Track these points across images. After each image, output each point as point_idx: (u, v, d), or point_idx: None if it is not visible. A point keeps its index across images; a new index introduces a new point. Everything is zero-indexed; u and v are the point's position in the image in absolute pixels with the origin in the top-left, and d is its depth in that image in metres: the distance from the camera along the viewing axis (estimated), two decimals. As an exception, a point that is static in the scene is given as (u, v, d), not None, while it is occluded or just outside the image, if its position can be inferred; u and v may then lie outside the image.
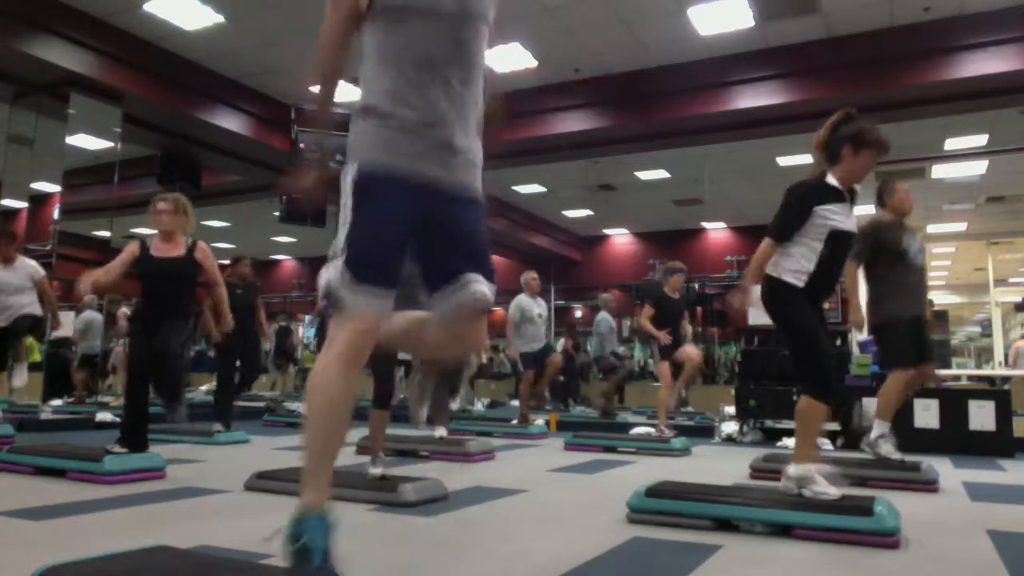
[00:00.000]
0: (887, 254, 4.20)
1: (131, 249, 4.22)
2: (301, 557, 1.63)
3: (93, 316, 9.71)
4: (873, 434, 4.23)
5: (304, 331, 15.24)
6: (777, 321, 3.22)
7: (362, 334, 1.66)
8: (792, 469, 3.09)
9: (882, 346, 4.37)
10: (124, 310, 10.26)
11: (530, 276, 7.29)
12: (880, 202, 4.40)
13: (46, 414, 6.88)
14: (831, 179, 3.15)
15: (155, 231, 4.29)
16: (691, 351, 6.79)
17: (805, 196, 3.14)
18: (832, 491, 2.96)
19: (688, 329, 7.36)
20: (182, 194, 4.52)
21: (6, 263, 5.62)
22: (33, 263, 5.79)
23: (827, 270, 3.13)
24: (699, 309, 13.60)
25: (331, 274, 1.67)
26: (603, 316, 9.01)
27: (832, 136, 3.19)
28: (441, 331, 1.82)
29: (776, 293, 3.17)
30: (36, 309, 5.68)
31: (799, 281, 3.11)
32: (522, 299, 7.18)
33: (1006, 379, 9.34)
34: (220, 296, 4.54)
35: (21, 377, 5.79)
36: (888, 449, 4.16)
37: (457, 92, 1.78)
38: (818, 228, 3.09)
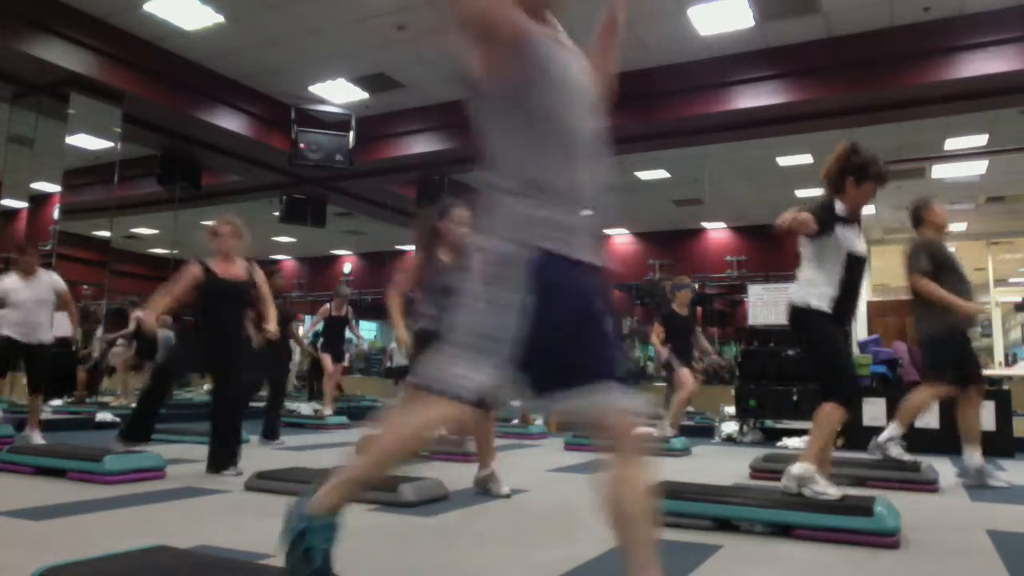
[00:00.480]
0: (944, 270, 4.31)
1: (193, 272, 4.25)
2: (304, 557, 1.64)
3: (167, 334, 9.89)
4: (884, 436, 4.29)
5: (304, 331, 15.22)
6: (808, 345, 3.37)
7: (454, 420, 1.58)
8: (795, 467, 3.10)
9: (930, 357, 4.38)
10: (139, 313, 10.31)
11: None
12: (917, 222, 4.54)
13: (46, 414, 6.87)
14: (839, 206, 3.28)
15: (215, 252, 4.35)
16: (685, 376, 6.64)
17: (830, 209, 3.26)
18: (832, 491, 2.97)
19: (703, 343, 7.24)
20: (233, 217, 4.59)
21: (27, 276, 5.50)
22: (55, 276, 5.71)
23: (849, 293, 3.25)
24: (699, 309, 13.60)
25: (464, 368, 1.52)
26: None
27: (837, 169, 3.35)
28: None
29: (806, 320, 3.27)
30: (62, 328, 5.69)
31: (827, 307, 3.21)
32: None
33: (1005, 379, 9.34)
34: (268, 314, 4.56)
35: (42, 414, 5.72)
36: (898, 451, 4.23)
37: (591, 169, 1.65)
38: (838, 252, 3.21)
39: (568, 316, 1.53)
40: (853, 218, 3.29)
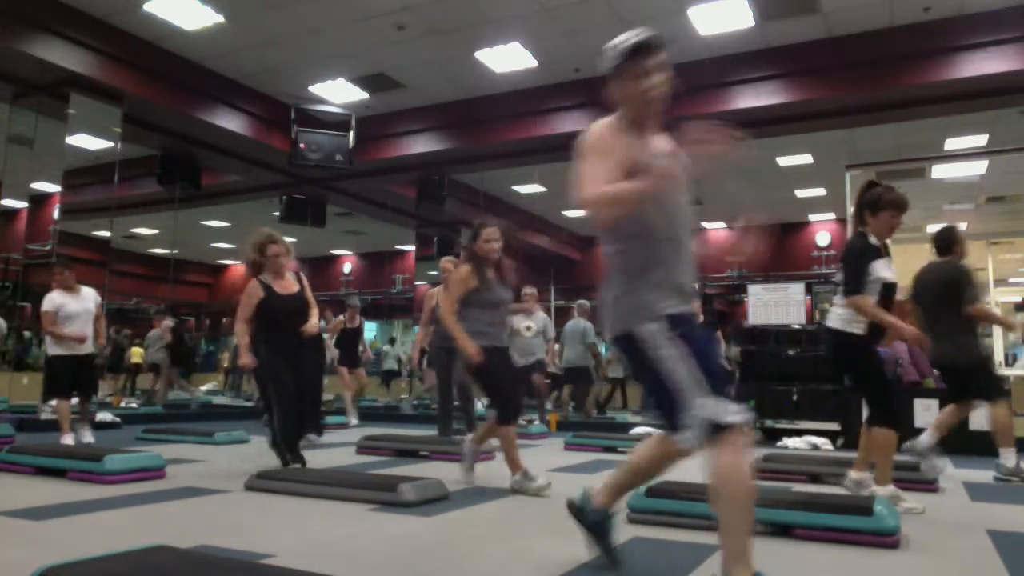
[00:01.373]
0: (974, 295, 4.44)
1: (256, 292, 4.56)
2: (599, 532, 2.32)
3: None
4: (926, 441, 4.35)
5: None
6: (850, 370, 3.58)
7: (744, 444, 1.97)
8: (880, 490, 3.37)
9: (976, 384, 4.45)
10: (167, 323, 10.43)
11: (523, 291, 7.24)
12: (948, 250, 4.56)
13: (46, 414, 6.88)
14: (872, 238, 3.51)
15: (272, 272, 4.68)
16: None
17: (865, 252, 3.49)
18: (919, 507, 3.34)
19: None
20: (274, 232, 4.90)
21: (71, 292, 5.77)
22: (92, 290, 5.93)
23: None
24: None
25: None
26: (572, 323, 8.91)
27: (856, 206, 3.63)
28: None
29: (846, 346, 3.47)
30: (97, 340, 5.96)
31: (862, 330, 3.43)
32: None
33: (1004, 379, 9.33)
34: (312, 317, 4.74)
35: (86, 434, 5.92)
36: (931, 465, 4.28)
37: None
38: (872, 283, 3.43)
39: None
40: (882, 247, 3.51)
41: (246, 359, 4.45)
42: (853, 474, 3.59)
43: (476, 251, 4.00)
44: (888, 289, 3.44)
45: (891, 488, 3.38)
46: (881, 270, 3.43)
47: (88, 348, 5.80)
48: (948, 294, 4.34)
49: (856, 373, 3.54)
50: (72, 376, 5.74)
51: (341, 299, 9.36)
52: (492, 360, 3.88)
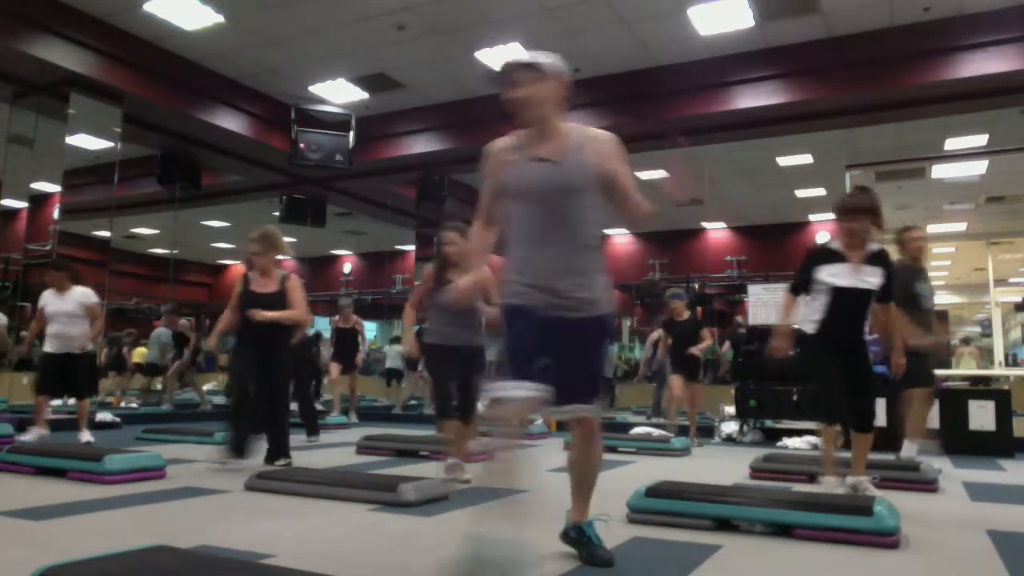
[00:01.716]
0: (901, 296, 4.45)
1: (237, 284, 4.68)
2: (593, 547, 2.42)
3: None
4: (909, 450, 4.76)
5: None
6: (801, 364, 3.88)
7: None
8: (849, 479, 3.63)
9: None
10: (184, 322, 10.46)
11: None
12: (900, 247, 4.87)
13: (46, 414, 6.87)
14: (833, 243, 3.67)
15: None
16: (672, 382, 6.60)
17: (809, 254, 3.76)
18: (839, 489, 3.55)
19: (704, 340, 6.69)
20: (270, 228, 4.91)
21: (61, 291, 5.80)
22: (85, 290, 5.92)
23: (836, 317, 3.58)
24: (699, 309, 13.61)
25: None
26: None
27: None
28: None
29: (799, 341, 3.74)
30: (87, 341, 5.89)
31: (811, 329, 3.63)
32: None
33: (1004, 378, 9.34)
34: (285, 316, 4.69)
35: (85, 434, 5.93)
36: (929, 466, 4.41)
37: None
38: (818, 288, 3.63)
39: None
40: (845, 254, 3.60)
41: (211, 340, 4.61)
42: (849, 479, 3.64)
43: (439, 254, 4.24)
44: (840, 293, 3.55)
45: (827, 479, 3.67)
46: (826, 275, 3.57)
47: (72, 348, 5.77)
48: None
49: (803, 368, 3.79)
50: (59, 375, 5.77)
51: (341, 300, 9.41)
52: (434, 358, 4.21)
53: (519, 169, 2.32)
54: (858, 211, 3.54)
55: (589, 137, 2.34)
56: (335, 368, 8.48)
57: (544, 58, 2.32)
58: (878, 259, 3.58)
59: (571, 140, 2.32)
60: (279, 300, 4.62)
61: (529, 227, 2.31)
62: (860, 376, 3.57)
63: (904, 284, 4.55)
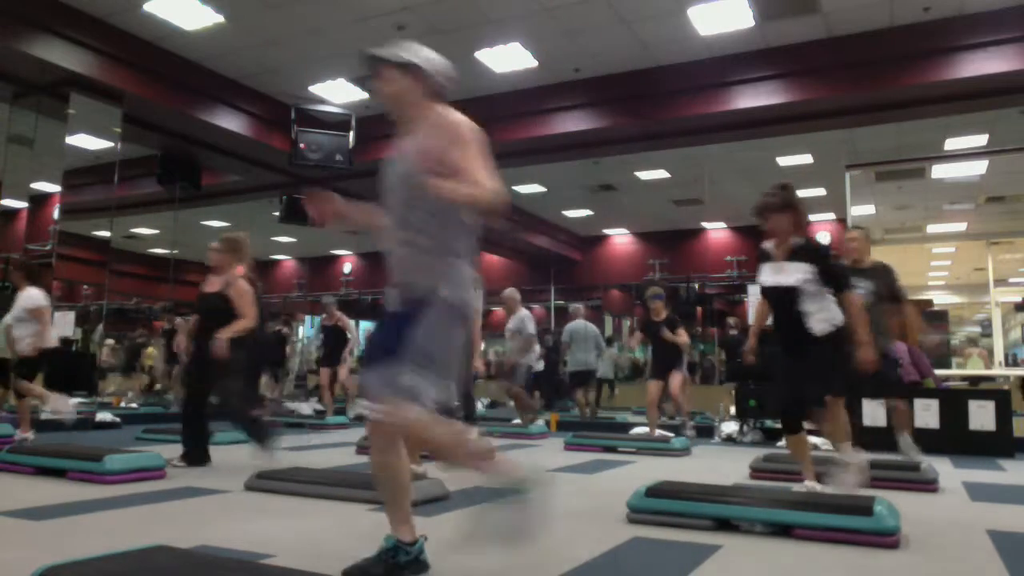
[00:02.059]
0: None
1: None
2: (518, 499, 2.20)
3: None
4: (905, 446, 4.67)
5: (304, 332, 15.26)
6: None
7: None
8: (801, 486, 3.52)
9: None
10: (180, 320, 10.47)
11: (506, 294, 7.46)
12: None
13: (46, 414, 6.87)
14: (767, 244, 3.64)
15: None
16: (651, 388, 6.68)
17: (760, 255, 3.72)
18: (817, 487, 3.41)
19: (680, 337, 6.81)
20: (242, 235, 4.97)
21: (20, 292, 5.87)
22: (31, 292, 5.90)
23: (777, 317, 3.62)
24: (699, 309, 13.60)
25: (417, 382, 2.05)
26: (574, 324, 9.02)
27: None
28: None
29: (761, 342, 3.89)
30: (30, 343, 5.84)
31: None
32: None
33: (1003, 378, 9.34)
34: (229, 326, 4.60)
35: (54, 403, 6.01)
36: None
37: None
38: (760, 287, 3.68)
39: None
40: (775, 252, 3.58)
41: (179, 340, 4.73)
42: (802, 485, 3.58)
43: None
44: (769, 293, 3.59)
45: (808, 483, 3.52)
46: (760, 276, 3.61)
47: (20, 349, 5.79)
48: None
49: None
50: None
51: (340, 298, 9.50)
52: None
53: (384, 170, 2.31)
54: (768, 210, 3.50)
55: (432, 123, 2.23)
56: (324, 374, 8.58)
57: (403, 51, 2.25)
58: (802, 253, 3.47)
59: (420, 129, 2.26)
60: (220, 299, 4.66)
61: (390, 225, 2.26)
62: (800, 375, 3.45)
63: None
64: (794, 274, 3.44)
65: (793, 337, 3.49)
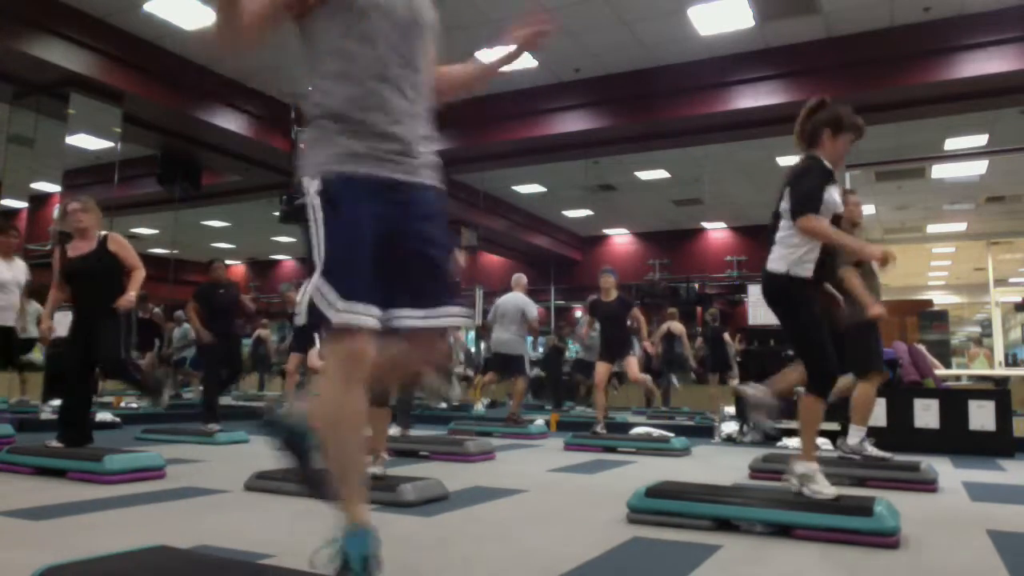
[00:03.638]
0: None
1: (57, 255, 4.46)
2: (343, 570, 1.73)
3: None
4: (852, 439, 4.36)
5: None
6: (786, 321, 3.14)
7: (355, 354, 1.60)
8: (798, 467, 3.09)
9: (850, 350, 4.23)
10: (157, 310, 10.42)
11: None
12: None
13: (46, 414, 6.87)
14: (826, 163, 3.15)
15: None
16: (600, 371, 6.56)
17: (824, 171, 3.11)
18: (829, 491, 2.95)
19: (639, 325, 6.95)
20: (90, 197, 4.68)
21: (6, 257, 5.57)
22: (24, 266, 5.74)
23: (831, 254, 3.11)
24: (699, 309, 13.60)
25: (312, 293, 1.59)
26: (509, 297, 8.79)
27: (809, 122, 3.32)
28: (407, 350, 1.77)
29: (785, 290, 3.08)
30: (13, 317, 5.55)
31: (808, 273, 3.03)
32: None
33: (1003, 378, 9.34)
34: (136, 280, 4.47)
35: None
36: (874, 449, 4.33)
37: (410, 99, 1.86)
38: (825, 211, 3.03)
39: (374, 233, 1.65)
40: (834, 174, 3.17)
41: (43, 324, 4.49)
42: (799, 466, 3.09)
43: None
44: (836, 221, 3.07)
45: (808, 465, 3.05)
46: (836, 197, 3.06)
47: (8, 320, 5.47)
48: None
49: (793, 325, 3.08)
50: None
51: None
52: None
53: None
54: (863, 132, 3.28)
55: None
56: (293, 359, 7.80)
57: None
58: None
59: None
60: (99, 259, 4.38)
61: (379, 63, 1.85)
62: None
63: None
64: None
65: (826, 278, 3.17)
